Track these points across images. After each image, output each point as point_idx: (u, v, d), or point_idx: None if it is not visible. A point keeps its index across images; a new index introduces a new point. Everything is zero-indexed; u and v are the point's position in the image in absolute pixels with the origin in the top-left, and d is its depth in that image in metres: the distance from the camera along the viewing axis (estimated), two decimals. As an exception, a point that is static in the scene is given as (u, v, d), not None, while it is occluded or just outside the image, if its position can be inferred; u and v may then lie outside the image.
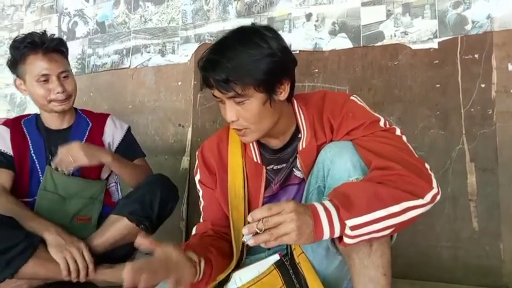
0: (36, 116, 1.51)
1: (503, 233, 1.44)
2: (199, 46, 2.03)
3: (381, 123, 0.94)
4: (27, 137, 1.45)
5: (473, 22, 1.54)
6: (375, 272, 0.83)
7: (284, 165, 1.05)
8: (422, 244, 1.52)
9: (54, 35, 1.45)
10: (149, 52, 2.17)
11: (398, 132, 0.94)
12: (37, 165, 1.42)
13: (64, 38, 2.41)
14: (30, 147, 1.43)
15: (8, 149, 1.40)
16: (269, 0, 1.90)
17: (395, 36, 1.66)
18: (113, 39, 2.27)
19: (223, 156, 1.09)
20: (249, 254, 1.09)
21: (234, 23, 1.96)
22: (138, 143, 1.62)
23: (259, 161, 1.06)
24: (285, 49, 0.94)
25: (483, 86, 1.51)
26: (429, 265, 1.51)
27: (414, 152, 0.91)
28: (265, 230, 0.75)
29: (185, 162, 2.01)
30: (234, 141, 1.09)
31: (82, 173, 1.43)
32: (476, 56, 1.53)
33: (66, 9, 2.45)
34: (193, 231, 1.12)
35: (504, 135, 1.47)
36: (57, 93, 1.38)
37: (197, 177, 1.14)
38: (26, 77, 1.38)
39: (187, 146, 2.02)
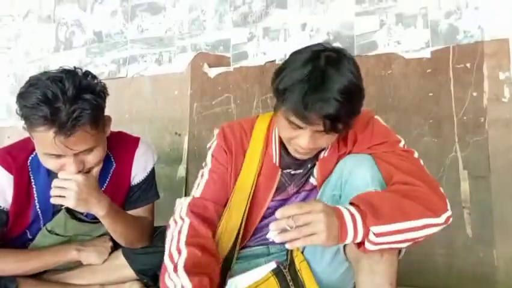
0: None
1: (497, 239, 1.45)
2: (195, 55, 2.05)
3: (401, 144, 0.99)
4: (33, 185, 1.16)
5: (464, 32, 1.57)
6: (382, 279, 0.84)
7: (301, 171, 1.06)
8: (416, 251, 1.52)
9: (97, 79, 1.06)
10: (146, 61, 2.18)
11: (416, 155, 0.97)
12: (40, 215, 1.19)
13: (61, 47, 2.45)
14: (36, 196, 1.17)
15: (5, 203, 1.14)
16: (265, 10, 1.93)
17: (388, 45, 1.68)
18: (110, 49, 2.29)
19: (243, 147, 1.08)
20: (245, 256, 1.09)
21: (230, 32, 1.98)
22: (156, 181, 1.37)
23: (277, 163, 1.06)
24: (360, 76, 0.93)
25: (475, 94, 1.54)
26: (424, 272, 1.52)
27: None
28: (295, 228, 0.75)
29: (181, 170, 2.02)
30: (257, 138, 1.08)
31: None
32: (467, 65, 1.56)
33: (63, 19, 2.46)
34: (182, 211, 1.02)
35: (496, 143, 1.49)
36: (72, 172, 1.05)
37: (211, 151, 1.11)
38: (33, 139, 1.05)
39: (183, 155, 2.03)
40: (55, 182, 1.05)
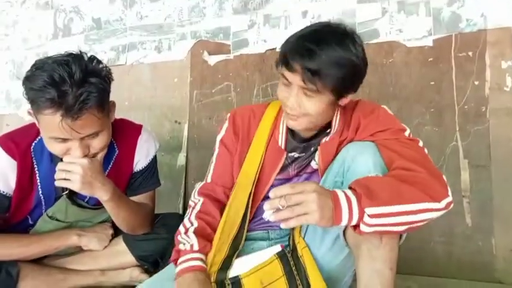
0: None
1: (496, 228, 1.46)
2: (195, 43, 2.03)
3: (406, 133, 0.99)
4: (36, 171, 1.16)
5: (467, 20, 1.56)
6: (382, 264, 0.84)
7: (304, 154, 1.09)
8: (415, 239, 1.53)
9: (102, 64, 1.07)
10: (145, 49, 2.16)
11: (420, 144, 0.98)
12: (42, 201, 1.19)
13: (60, 34, 2.42)
14: (38, 182, 1.17)
15: (8, 189, 1.13)
16: (265, -3, 1.91)
17: (390, 33, 1.67)
18: (109, 36, 2.27)
19: (250, 131, 1.12)
20: (249, 239, 1.10)
21: (230, 19, 1.96)
22: (158, 168, 1.38)
23: (282, 146, 1.09)
24: (365, 61, 0.96)
25: (477, 83, 1.53)
26: (423, 260, 1.53)
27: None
28: (287, 207, 0.77)
29: (181, 158, 2.02)
30: (266, 122, 1.11)
31: (98, 200, 1.18)
32: (470, 53, 1.54)
33: (62, 5, 2.43)
34: (195, 193, 1.11)
35: (497, 132, 1.49)
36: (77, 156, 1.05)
37: (220, 136, 1.15)
38: (39, 124, 1.05)
39: (183, 143, 2.02)
40: (60, 165, 1.06)
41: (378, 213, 0.77)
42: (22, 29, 2.54)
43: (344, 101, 0.98)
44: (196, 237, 1.00)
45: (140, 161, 1.29)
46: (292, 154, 1.09)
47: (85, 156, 1.06)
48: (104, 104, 1.05)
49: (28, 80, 0.99)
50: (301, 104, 0.95)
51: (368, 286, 0.85)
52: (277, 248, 1.01)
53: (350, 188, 0.82)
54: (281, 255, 0.99)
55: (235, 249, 1.04)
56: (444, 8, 1.59)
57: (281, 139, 1.09)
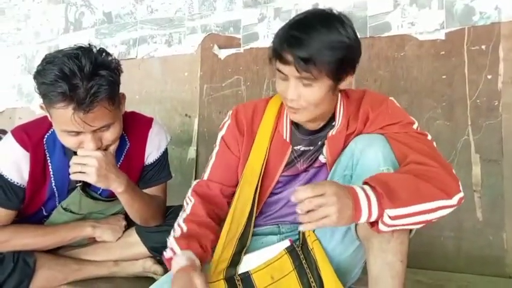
0: None
1: (507, 223, 1.45)
2: (205, 36, 2.04)
3: (415, 126, 0.98)
4: (49, 163, 1.17)
5: (480, 13, 1.54)
6: (393, 257, 0.85)
7: (312, 147, 1.07)
8: (425, 234, 1.53)
9: (111, 56, 1.08)
10: (155, 43, 2.17)
11: (429, 137, 0.97)
12: (55, 193, 1.21)
13: (71, 28, 2.44)
14: (51, 173, 1.18)
15: (22, 181, 1.15)
16: (276, -9, 1.90)
17: (401, 27, 1.65)
18: (120, 30, 2.28)
19: (254, 126, 1.10)
20: (257, 234, 1.11)
21: (240, 13, 1.96)
22: (169, 161, 1.39)
23: (287, 139, 1.07)
24: (358, 41, 0.95)
25: (489, 77, 1.51)
26: (433, 254, 1.53)
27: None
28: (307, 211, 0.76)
29: (192, 152, 2.03)
30: (269, 116, 1.10)
31: (111, 192, 1.20)
32: (483, 47, 1.53)
33: (73, -1, 2.45)
34: (189, 192, 1.10)
35: (509, 127, 1.47)
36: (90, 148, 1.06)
37: (221, 133, 1.14)
38: (51, 118, 1.06)
39: (193, 137, 2.04)
40: (75, 159, 1.07)
41: (398, 215, 0.78)
42: (34, 23, 2.57)
43: (344, 84, 0.97)
44: (177, 243, 0.97)
45: (151, 154, 1.30)
46: (298, 147, 1.08)
47: (98, 149, 1.07)
48: (115, 96, 1.06)
49: (39, 75, 1.00)
50: (300, 94, 0.93)
51: (378, 278, 0.86)
52: (286, 243, 1.02)
53: (367, 183, 0.81)
54: (290, 250, 1.00)
55: (243, 246, 1.04)
56: (457, 0, 1.57)
57: (285, 132, 1.07)
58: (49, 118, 1.08)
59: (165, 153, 1.34)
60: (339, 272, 0.97)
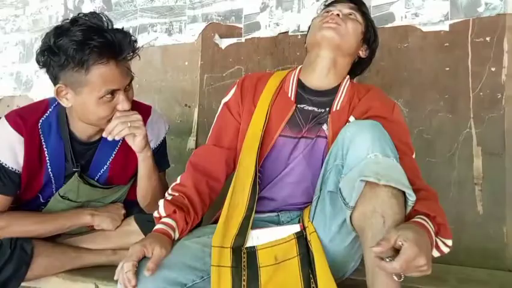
0: (58, 117, 1.17)
1: (508, 217, 1.45)
2: (206, 26, 2.01)
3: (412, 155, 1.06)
4: (45, 148, 1.15)
5: (486, 4, 1.52)
6: None
7: (315, 108, 1.12)
8: (426, 226, 1.52)
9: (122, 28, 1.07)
10: (156, 31, 2.15)
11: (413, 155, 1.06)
12: (52, 179, 1.20)
13: (70, 16, 2.40)
14: (47, 159, 1.16)
15: (17, 166, 1.12)
16: (278, -20, 1.87)
17: (405, 17, 1.64)
18: (120, 18, 2.25)
19: (257, 91, 1.17)
20: (258, 220, 1.09)
21: (242, 2, 1.94)
22: (168, 151, 1.42)
23: (292, 98, 1.13)
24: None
25: (493, 69, 1.50)
26: (433, 247, 1.53)
27: None
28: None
29: (191, 142, 2.02)
30: (273, 81, 1.18)
31: (108, 179, 1.24)
32: (487, 39, 1.51)
33: (72, -14, 2.42)
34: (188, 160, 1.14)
35: (513, 120, 1.46)
36: (123, 110, 1.08)
37: (225, 100, 1.21)
38: (83, 89, 1.03)
39: (193, 127, 2.02)
40: (118, 117, 1.07)
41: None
42: (32, 10, 2.54)
43: (362, 51, 1.20)
44: (164, 207, 1.02)
45: (151, 142, 1.27)
46: (302, 106, 1.12)
47: (129, 110, 1.09)
48: None
49: (68, 37, 0.97)
50: (346, 21, 1.11)
51: (375, 270, 0.85)
52: (297, 227, 1.01)
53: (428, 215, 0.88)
54: (299, 236, 0.99)
55: (248, 221, 1.02)
56: (462, -9, 1.56)
57: (291, 90, 1.14)
58: (71, 100, 1.06)
59: (164, 141, 1.35)
60: (337, 263, 0.97)
